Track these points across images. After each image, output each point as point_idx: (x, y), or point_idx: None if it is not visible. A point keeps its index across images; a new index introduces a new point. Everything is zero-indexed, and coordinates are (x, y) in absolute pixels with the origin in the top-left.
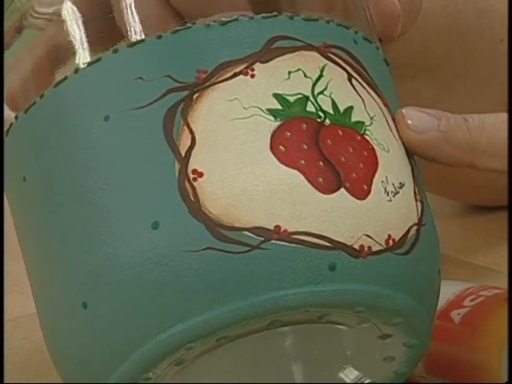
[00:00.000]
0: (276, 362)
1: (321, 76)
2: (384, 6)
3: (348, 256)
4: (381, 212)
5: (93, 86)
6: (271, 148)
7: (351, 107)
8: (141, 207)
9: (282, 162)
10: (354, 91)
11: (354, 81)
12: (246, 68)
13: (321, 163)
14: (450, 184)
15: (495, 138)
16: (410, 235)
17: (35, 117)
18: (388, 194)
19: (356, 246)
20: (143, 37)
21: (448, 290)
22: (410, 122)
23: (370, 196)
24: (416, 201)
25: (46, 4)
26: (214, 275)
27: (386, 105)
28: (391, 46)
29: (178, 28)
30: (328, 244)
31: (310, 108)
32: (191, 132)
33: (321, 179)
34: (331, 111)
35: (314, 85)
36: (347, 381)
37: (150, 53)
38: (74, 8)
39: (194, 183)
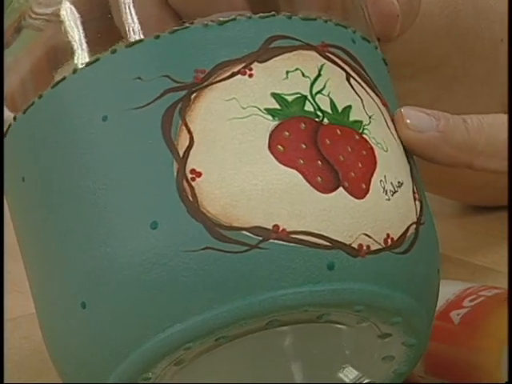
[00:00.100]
0: (275, 361)
1: (319, 75)
2: (382, 6)
3: (347, 255)
4: (379, 211)
5: (91, 87)
6: (269, 147)
7: (349, 106)
8: (139, 207)
9: (280, 161)
10: (353, 90)
11: (352, 80)
12: (244, 68)
13: (319, 162)
14: (448, 184)
15: (494, 139)
16: (408, 234)
17: (34, 117)
18: (386, 193)
19: (355, 245)
20: (141, 37)
21: (448, 290)
22: (408, 121)
23: (368, 195)
24: (415, 200)
25: (44, 4)
26: (212, 275)
27: (384, 104)
28: (390, 45)
29: (175, 28)
30: (327, 243)
31: (309, 107)
32: (189, 132)
33: (319, 178)
34: (329, 110)
35: (312, 84)
36: (346, 380)
37: (148, 53)
38: (73, 8)
39: (193, 183)
